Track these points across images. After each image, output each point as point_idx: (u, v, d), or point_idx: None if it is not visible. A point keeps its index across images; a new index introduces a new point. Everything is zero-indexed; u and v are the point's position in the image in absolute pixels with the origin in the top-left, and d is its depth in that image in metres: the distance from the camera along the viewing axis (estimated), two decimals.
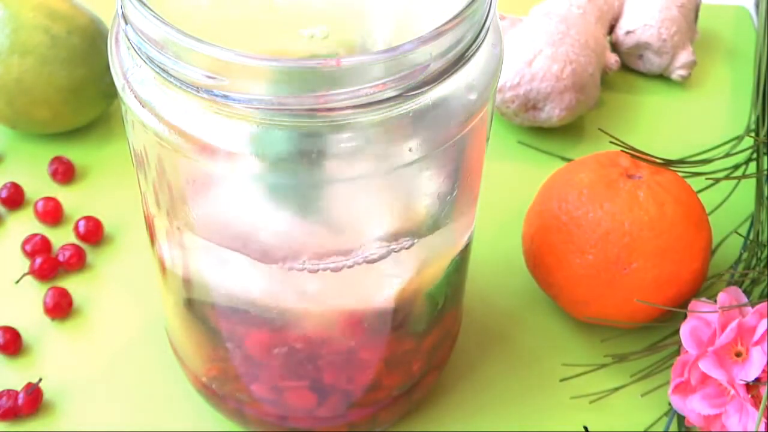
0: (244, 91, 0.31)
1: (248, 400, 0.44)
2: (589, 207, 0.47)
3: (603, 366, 0.49)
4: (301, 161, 0.33)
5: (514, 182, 0.59)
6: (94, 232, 0.55)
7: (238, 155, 0.33)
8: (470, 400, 0.49)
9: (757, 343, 0.43)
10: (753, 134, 0.60)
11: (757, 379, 0.42)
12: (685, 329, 0.45)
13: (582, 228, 0.47)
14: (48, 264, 0.53)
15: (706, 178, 0.50)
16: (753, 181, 0.56)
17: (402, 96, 0.32)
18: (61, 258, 0.53)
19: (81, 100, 0.58)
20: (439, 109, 0.34)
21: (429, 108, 0.34)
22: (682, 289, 0.48)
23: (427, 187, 0.37)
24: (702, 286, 0.50)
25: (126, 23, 0.34)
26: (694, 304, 0.46)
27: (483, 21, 0.34)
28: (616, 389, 0.48)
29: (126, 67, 0.35)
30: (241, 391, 0.44)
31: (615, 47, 0.67)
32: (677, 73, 0.67)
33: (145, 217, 0.42)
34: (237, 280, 0.39)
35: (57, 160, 0.59)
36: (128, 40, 0.34)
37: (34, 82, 0.56)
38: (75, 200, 0.57)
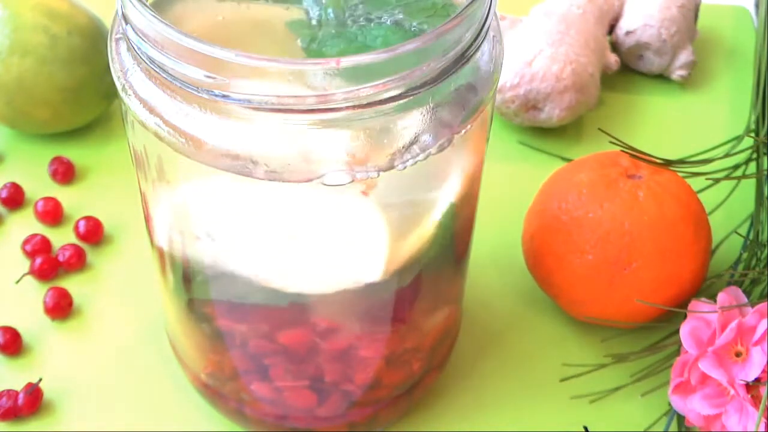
0: (244, 91, 0.31)
1: (248, 400, 0.44)
2: (589, 207, 0.47)
3: (603, 366, 0.49)
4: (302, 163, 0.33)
5: (514, 182, 0.58)
6: (94, 232, 0.55)
7: (238, 155, 0.33)
8: (470, 400, 0.49)
9: (757, 343, 0.43)
10: (753, 134, 0.60)
11: (757, 379, 0.42)
12: (685, 329, 0.45)
13: (582, 228, 0.47)
14: (48, 264, 0.53)
15: (706, 178, 0.50)
16: (753, 181, 0.56)
17: (402, 96, 0.32)
18: (61, 258, 0.53)
19: (81, 100, 0.58)
20: (439, 110, 0.34)
21: (429, 108, 0.34)
22: (682, 289, 0.48)
23: (427, 186, 0.37)
24: (702, 286, 0.50)
25: (126, 23, 0.34)
26: (694, 304, 0.46)
27: (483, 21, 0.34)
28: (616, 389, 0.48)
29: (126, 67, 0.35)
30: (241, 390, 0.44)
31: (615, 47, 0.67)
32: (677, 73, 0.67)
33: (145, 217, 0.42)
34: (236, 277, 0.39)
35: (57, 160, 0.59)
36: (128, 40, 0.34)
37: (34, 82, 0.56)
38: (75, 200, 0.57)
